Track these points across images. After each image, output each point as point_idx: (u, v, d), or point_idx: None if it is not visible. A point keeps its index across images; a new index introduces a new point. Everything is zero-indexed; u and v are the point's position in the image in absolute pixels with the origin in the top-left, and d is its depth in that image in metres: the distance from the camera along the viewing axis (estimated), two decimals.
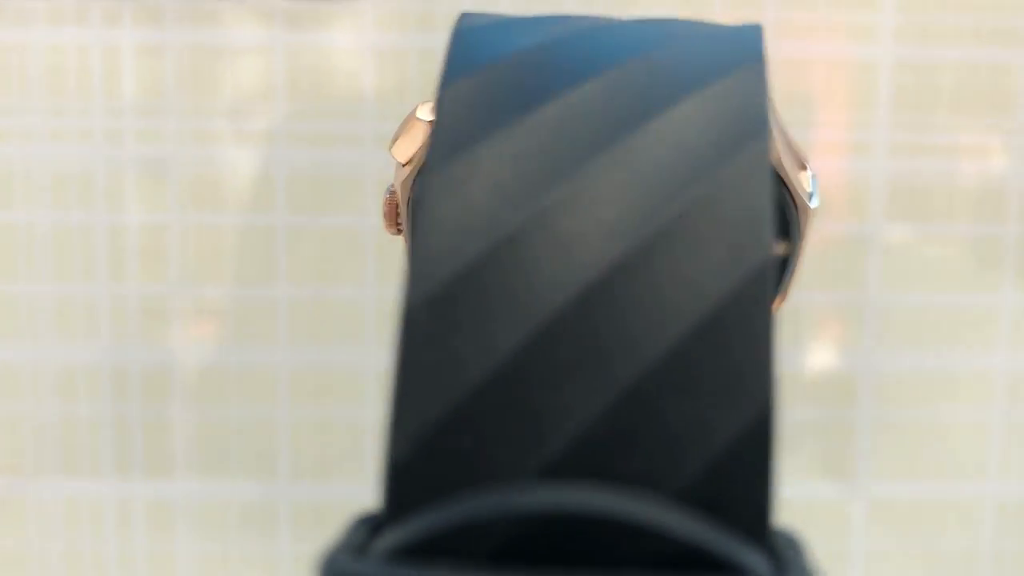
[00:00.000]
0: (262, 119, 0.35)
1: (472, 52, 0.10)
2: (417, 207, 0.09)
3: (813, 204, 0.18)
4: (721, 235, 0.08)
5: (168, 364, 0.36)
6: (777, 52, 0.35)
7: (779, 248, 0.18)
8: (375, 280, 0.35)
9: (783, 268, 0.19)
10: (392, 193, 0.19)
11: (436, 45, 0.34)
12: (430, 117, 0.16)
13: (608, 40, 0.10)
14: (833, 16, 0.35)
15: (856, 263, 0.36)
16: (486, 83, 0.10)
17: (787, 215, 0.18)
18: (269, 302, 0.35)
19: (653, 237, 0.08)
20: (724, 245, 0.08)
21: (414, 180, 0.18)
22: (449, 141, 0.10)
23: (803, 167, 0.19)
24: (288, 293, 0.35)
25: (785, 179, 0.17)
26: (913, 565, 0.38)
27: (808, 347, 0.37)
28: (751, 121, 0.09)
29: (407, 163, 0.18)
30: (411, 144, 0.17)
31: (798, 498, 0.37)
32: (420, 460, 0.08)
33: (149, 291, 0.35)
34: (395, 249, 0.36)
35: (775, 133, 0.17)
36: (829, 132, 0.36)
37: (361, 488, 0.36)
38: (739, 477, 0.08)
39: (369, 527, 0.09)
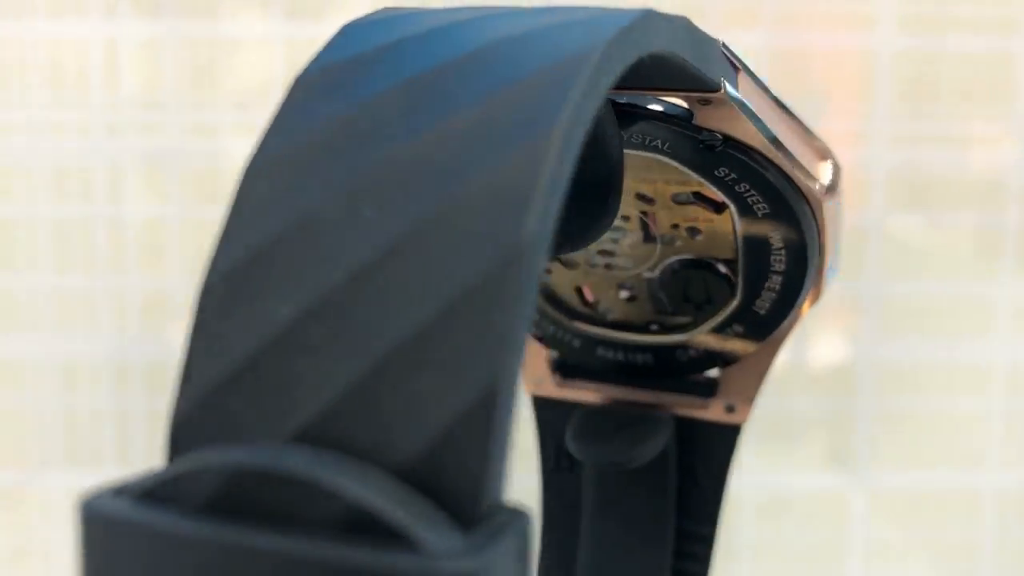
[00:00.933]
0: (262, 112, 0.35)
1: (341, 46, 0.11)
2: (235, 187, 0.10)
3: (829, 195, 0.18)
4: (482, 223, 0.09)
5: (169, 357, 0.36)
6: (778, 43, 0.35)
7: (776, 238, 0.18)
8: None
9: (802, 261, 0.18)
10: None
11: None
12: None
13: (467, 34, 0.11)
14: (834, 6, 0.35)
15: (857, 253, 0.36)
16: (334, 75, 0.11)
17: (792, 207, 0.17)
18: None
19: (425, 222, 0.09)
20: (483, 232, 0.09)
21: None
22: (276, 127, 0.10)
23: (823, 158, 0.18)
24: None
25: (787, 170, 0.17)
26: (914, 554, 0.38)
27: (808, 338, 0.37)
28: (538, 114, 0.09)
29: None
30: None
31: (799, 488, 0.37)
32: (196, 419, 0.09)
33: (149, 284, 0.35)
34: None
35: (771, 121, 0.16)
36: (830, 122, 0.36)
37: None
38: (456, 453, 0.08)
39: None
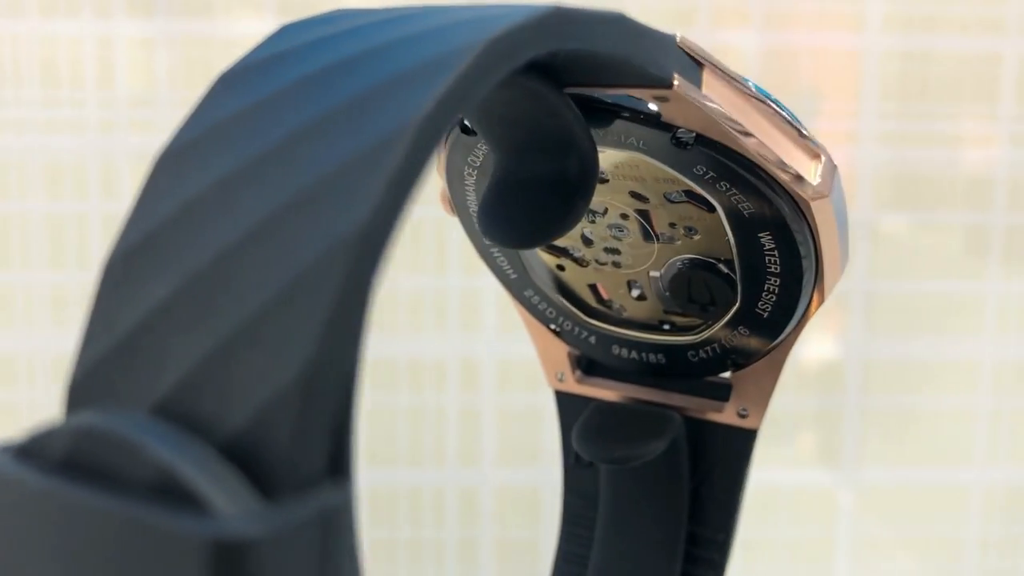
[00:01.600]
0: None
1: (269, 44, 0.12)
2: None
3: (819, 195, 0.17)
4: (326, 213, 0.10)
5: None
6: (768, 42, 0.35)
7: (766, 239, 0.17)
8: None
9: (796, 263, 0.17)
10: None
11: None
12: None
13: (376, 32, 0.12)
14: (823, 5, 0.35)
15: None
16: (250, 72, 0.12)
17: (777, 207, 0.17)
18: None
19: (283, 209, 0.10)
20: (324, 222, 0.10)
21: (446, 163, 0.19)
22: (189, 120, 0.11)
23: (814, 157, 0.17)
24: None
25: (767, 169, 0.16)
26: (900, 549, 0.38)
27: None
28: (396, 111, 0.10)
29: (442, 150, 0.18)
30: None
31: (787, 484, 0.38)
32: (84, 386, 0.10)
33: None
34: None
35: (746, 118, 0.16)
36: (818, 121, 0.36)
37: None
38: (271, 429, 0.09)
39: None
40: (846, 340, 0.37)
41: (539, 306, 0.21)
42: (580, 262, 0.20)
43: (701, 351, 0.20)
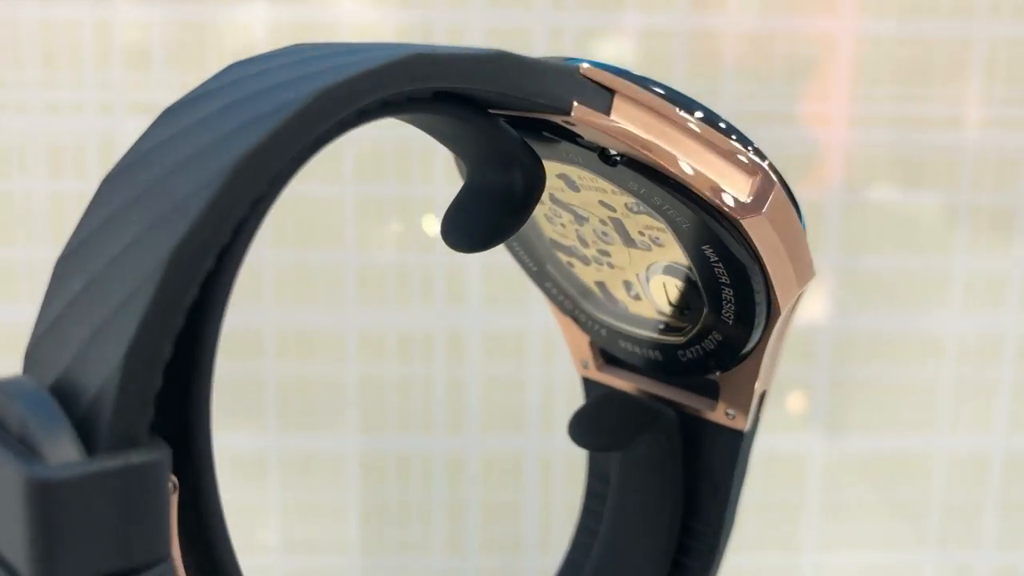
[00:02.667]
0: None
1: (210, 80, 0.14)
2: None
3: (751, 212, 0.16)
4: (163, 233, 0.12)
5: None
6: (741, 25, 0.36)
7: (710, 251, 0.17)
8: (355, 245, 0.37)
9: (743, 276, 0.17)
10: None
11: (420, 21, 0.36)
12: None
13: (270, 75, 0.14)
14: None
15: (817, 226, 0.37)
16: (185, 106, 0.14)
17: (706, 223, 0.16)
18: (255, 267, 0.36)
19: (149, 226, 0.12)
20: (159, 241, 0.12)
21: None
22: (131, 147, 0.14)
23: (751, 173, 0.17)
24: (272, 258, 0.37)
25: (692, 187, 0.16)
26: (868, 513, 0.40)
27: None
28: (228, 150, 0.12)
29: None
30: None
31: (760, 449, 0.38)
32: (30, 357, 0.13)
33: None
34: (372, 217, 0.37)
35: (663, 138, 0.16)
36: (790, 102, 0.37)
37: (342, 438, 0.38)
38: (103, 400, 0.12)
39: None
40: (819, 312, 0.38)
41: (558, 297, 0.22)
42: (584, 261, 0.21)
43: (688, 352, 0.20)
